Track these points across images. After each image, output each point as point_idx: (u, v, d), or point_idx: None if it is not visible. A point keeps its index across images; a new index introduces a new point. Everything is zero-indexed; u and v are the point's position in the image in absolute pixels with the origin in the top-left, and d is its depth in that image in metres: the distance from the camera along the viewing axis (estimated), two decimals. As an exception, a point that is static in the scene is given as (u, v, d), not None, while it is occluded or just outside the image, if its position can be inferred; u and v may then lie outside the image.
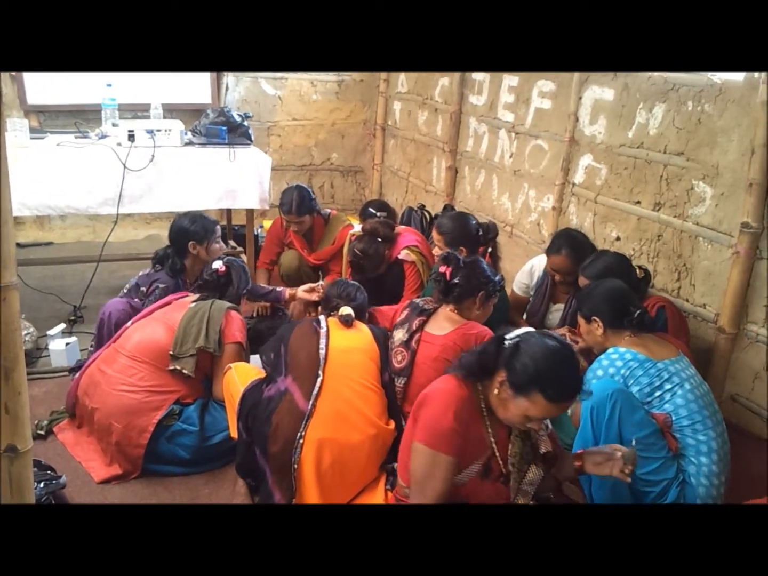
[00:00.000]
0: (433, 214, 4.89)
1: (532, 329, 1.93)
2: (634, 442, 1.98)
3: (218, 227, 3.25)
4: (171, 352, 2.57)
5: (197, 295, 2.81)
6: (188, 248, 3.13)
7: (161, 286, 3.05)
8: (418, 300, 2.70)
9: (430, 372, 2.43)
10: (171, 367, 2.56)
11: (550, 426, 2.04)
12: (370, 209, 4.06)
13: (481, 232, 3.29)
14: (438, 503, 1.83)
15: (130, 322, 2.75)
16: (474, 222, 3.33)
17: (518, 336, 1.86)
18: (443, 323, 2.53)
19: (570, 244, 3.08)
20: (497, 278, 2.64)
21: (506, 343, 1.86)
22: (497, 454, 1.92)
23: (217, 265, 2.80)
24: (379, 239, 3.47)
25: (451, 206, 4.81)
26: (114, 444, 2.48)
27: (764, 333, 2.78)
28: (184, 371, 2.56)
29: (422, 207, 5.01)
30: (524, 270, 3.46)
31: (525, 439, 1.98)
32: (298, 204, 3.65)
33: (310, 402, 2.31)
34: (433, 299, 2.67)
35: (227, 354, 2.67)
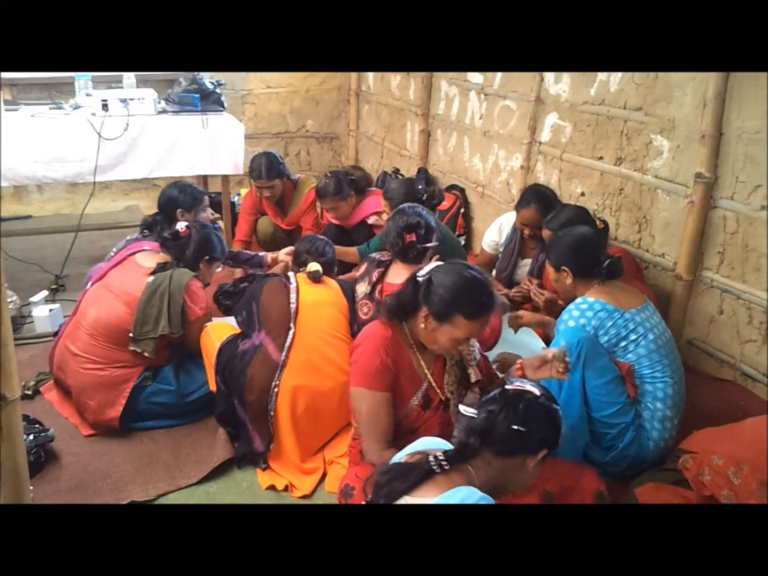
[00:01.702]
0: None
1: (440, 263, 2.04)
2: (562, 343, 2.18)
3: (206, 197, 3.31)
4: (131, 335, 2.55)
5: (154, 262, 2.73)
6: (176, 216, 3.17)
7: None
8: (374, 254, 2.80)
9: None
10: (131, 348, 2.57)
11: (477, 355, 2.18)
12: (358, 173, 4.16)
13: (425, 197, 3.32)
14: (387, 437, 1.99)
15: (89, 284, 2.77)
16: (420, 187, 3.38)
17: (428, 272, 1.98)
18: (401, 272, 2.60)
19: (538, 198, 3.19)
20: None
21: (419, 280, 1.98)
22: (434, 384, 2.08)
23: (180, 226, 2.78)
24: (352, 178, 3.70)
25: (425, 169, 4.91)
26: (91, 420, 2.56)
27: (719, 278, 2.92)
28: (145, 354, 2.57)
29: (396, 171, 5.10)
30: (493, 228, 3.56)
31: (459, 367, 2.13)
32: (267, 168, 3.75)
33: (283, 353, 2.44)
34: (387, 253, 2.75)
35: (194, 329, 2.68)
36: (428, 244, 2.61)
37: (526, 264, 3.41)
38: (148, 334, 2.56)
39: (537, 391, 1.59)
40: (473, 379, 2.10)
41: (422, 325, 1.98)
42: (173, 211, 3.19)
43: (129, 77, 3.96)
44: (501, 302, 2.00)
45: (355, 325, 2.64)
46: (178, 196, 3.19)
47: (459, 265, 2.01)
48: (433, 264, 2.03)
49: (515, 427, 1.51)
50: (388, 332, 2.04)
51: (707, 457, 2.01)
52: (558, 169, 3.68)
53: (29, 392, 2.75)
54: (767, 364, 2.77)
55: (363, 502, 1.58)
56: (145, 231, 3.19)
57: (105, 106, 3.55)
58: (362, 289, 2.65)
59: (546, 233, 2.99)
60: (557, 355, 2.02)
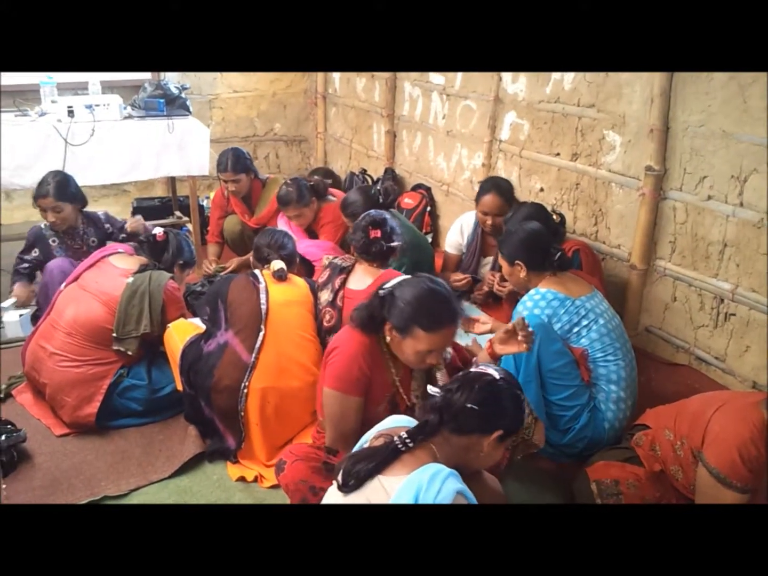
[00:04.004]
0: (374, 178, 5.07)
1: (407, 276, 2.09)
2: (521, 308, 2.38)
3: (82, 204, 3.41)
4: (114, 335, 2.64)
5: (129, 263, 2.83)
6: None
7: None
8: (335, 259, 2.80)
9: None
10: (115, 348, 2.65)
11: (448, 356, 2.23)
12: (316, 177, 4.23)
13: (381, 200, 3.38)
14: (353, 438, 1.99)
15: (63, 285, 2.83)
16: (373, 192, 3.44)
17: (392, 285, 2.03)
18: (363, 278, 2.66)
19: (496, 185, 3.32)
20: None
21: (381, 292, 2.03)
22: (401, 390, 2.13)
23: (157, 231, 2.90)
24: (311, 183, 3.76)
25: (392, 170, 5.00)
26: (67, 419, 2.62)
27: (671, 267, 3.04)
28: (129, 352, 2.66)
29: (364, 171, 5.18)
30: (454, 230, 3.63)
31: (426, 372, 2.17)
32: (233, 162, 3.83)
33: (253, 354, 2.48)
34: (350, 256, 2.82)
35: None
36: (392, 243, 2.67)
37: (488, 262, 3.51)
38: (131, 333, 2.66)
39: (497, 375, 1.65)
40: (440, 384, 2.15)
41: (388, 338, 2.03)
42: None
43: (94, 83, 3.99)
44: (464, 314, 2.06)
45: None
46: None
47: (421, 278, 2.04)
48: (398, 278, 2.07)
49: (469, 405, 1.58)
50: (365, 339, 2.07)
51: (659, 432, 2.11)
52: (518, 166, 3.79)
53: (1, 395, 2.78)
54: (719, 349, 2.90)
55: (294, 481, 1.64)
56: None
57: (71, 113, 3.59)
58: (325, 296, 2.68)
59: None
60: (518, 325, 2.09)
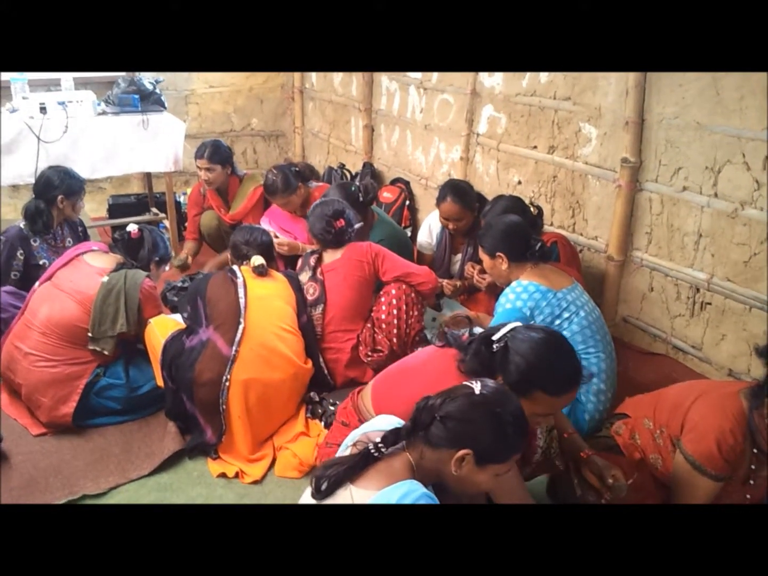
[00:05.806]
0: (353, 173, 5.06)
1: (517, 324, 1.87)
2: (503, 300, 2.42)
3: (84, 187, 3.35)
4: (89, 334, 2.59)
5: (104, 261, 2.78)
6: (57, 202, 3.19)
7: (2, 239, 3.13)
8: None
9: (344, 290, 2.80)
10: (90, 347, 2.61)
11: None
12: (300, 162, 4.20)
13: (361, 198, 3.36)
14: None
15: (37, 284, 2.78)
16: (353, 189, 3.40)
17: (505, 335, 1.82)
18: (333, 254, 2.91)
19: (453, 190, 3.29)
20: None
21: (495, 346, 1.81)
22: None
23: (132, 228, 2.85)
24: (296, 169, 3.71)
25: (370, 164, 4.99)
26: (43, 419, 2.58)
27: (648, 258, 3.07)
28: (105, 352, 2.62)
29: (342, 166, 5.17)
30: (423, 230, 3.64)
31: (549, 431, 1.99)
32: (211, 151, 3.77)
33: (234, 347, 2.47)
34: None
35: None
36: (356, 225, 2.94)
37: (458, 259, 3.51)
38: (107, 332, 2.61)
39: (477, 389, 1.52)
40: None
41: None
42: (54, 197, 3.18)
43: (67, 80, 3.94)
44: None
45: (303, 315, 2.71)
46: (60, 184, 3.19)
47: (538, 330, 1.83)
48: (509, 326, 1.85)
49: (436, 415, 1.48)
50: None
51: (638, 421, 2.12)
52: (495, 160, 3.80)
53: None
54: (695, 337, 2.93)
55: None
56: (33, 222, 3.15)
57: (43, 109, 3.54)
58: (305, 277, 2.88)
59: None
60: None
